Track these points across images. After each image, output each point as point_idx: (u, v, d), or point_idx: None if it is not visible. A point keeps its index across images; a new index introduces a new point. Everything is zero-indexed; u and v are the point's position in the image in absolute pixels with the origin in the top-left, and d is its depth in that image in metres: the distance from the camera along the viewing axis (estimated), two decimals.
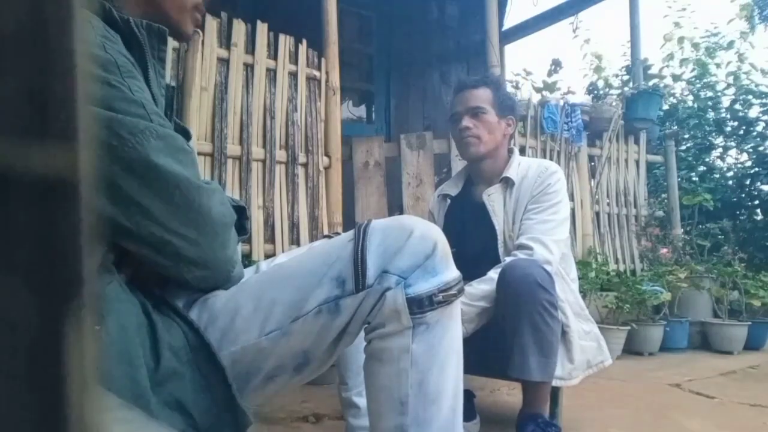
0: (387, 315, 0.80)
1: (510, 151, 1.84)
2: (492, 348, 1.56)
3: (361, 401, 1.11)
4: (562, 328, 1.60)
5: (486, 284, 1.56)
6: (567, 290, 1.69)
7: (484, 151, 1.76)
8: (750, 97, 5.39)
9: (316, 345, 0.84)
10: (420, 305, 0.79)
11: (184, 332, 0.80)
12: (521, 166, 1.77)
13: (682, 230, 4.02)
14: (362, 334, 0.88)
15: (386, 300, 0.79)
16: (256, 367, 0.86)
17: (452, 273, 0.83)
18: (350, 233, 0.84)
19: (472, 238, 1.71)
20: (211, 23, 2.44)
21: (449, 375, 0.83)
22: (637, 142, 4.04)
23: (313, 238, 2.66)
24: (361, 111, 5.07)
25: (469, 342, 1.63)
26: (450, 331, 0.83)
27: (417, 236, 0.81)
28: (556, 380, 1.57)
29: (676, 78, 5.75)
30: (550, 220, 1.66)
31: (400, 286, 0.79)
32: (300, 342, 0.83)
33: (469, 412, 1.74)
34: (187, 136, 1.04)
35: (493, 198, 1.75)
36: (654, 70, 4.73)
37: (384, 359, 0.82)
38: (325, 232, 2.24)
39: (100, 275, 0.74)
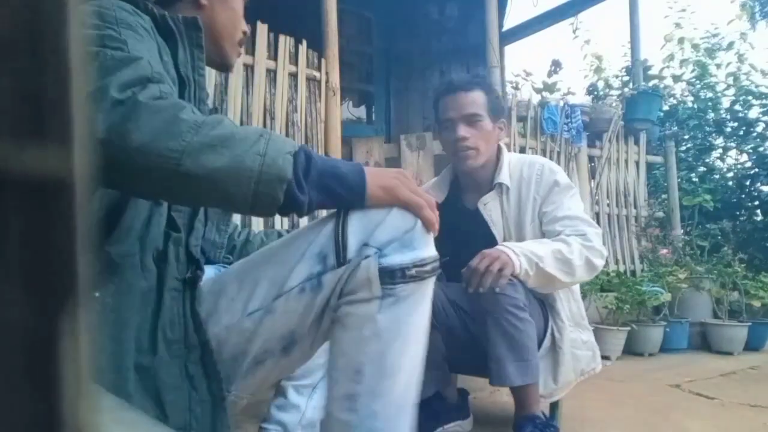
0: (359, 282, 0.79)
1: (498, 150, 1.75)
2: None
3: (293, 395, 1.10)
4: (554, 348, 1.60)
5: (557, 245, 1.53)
6: (571, 299, 1.68)
7: (482, 162, 1.68)
8: (750, 97, 5.39)
9: (301, 324, 0.84)
10: (392, 276, 0.78)
11: (185, 327, 0.80)
12: (511, 167, 1.72)
13: (682, 231, 4.02)
14: None
15: (360, 267, 0.79)
16: (242, 349, 0.85)
17: (430, 251, 0.82)
18: (323, 224, 0.84)
19: (469, 247, 1.61)
20: None
21: (410, 352, 0.82)
22: (637, 142, 4.04)
23: None
24: (361, 111, 5.07)
25: (467, 344, 1.63)
26: (419, 309, 0.82)
27: (397, 211, 0.81)
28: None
29: (676, 79, 5.74)
30: (575, 207, 1.65)
31: (375, 255, 0.78)
32: (285, 322, 0.83)
33: (463, 411, 1.74)
34: None
35: (489, 207, 1.69)
36: (654, 71, 4.73)
37: (348, 325, 0.81)
38: None
39: (122, 245, 0.75)
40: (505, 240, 1.67)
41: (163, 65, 0.80)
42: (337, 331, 0.83)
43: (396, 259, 0.79)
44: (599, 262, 1.57)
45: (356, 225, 0.80)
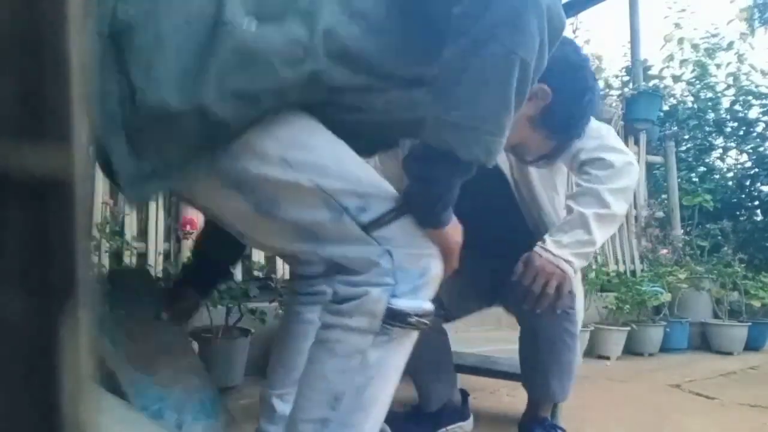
0: (362, 311, 0.81)
1: None
2: (500, 279, 1.42)
3: (280, 405, 1.07)
4: None
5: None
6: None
7: None
8: (750, 98, 5.39)
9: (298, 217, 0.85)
10: (394, 318, 0.80)
11: None
12: None
13: (682, 231, 4.02)
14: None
15: (370, 296, 0.80)
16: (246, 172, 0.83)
17: (431, 306, 0.85)
18: (395, 195, 0.86)
19: (491, 213, 1.46)
20: None
21: (386, 390, 0.84)
22: (636, 142, 4.03)
23: None
24: None
25: (467, 282, 1.52)
26: (403, 352, 0.85)
27: (426, 257, 0.83)
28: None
29: (676, 79, 5.74)
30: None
31: (387, 292, 0.80)
32: (302, 206, 0.84)
33: (464, 412, 1.74)
34: None
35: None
36: (654, 71, 4.73)
37: (337, 352, 0.82)
38: None
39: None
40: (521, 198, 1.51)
41: None
42: (323, 354, 0.84)
43: (404, 303, 0.81)
44: (631, 183, 1.41)
45: (396, 229, 0.82)
